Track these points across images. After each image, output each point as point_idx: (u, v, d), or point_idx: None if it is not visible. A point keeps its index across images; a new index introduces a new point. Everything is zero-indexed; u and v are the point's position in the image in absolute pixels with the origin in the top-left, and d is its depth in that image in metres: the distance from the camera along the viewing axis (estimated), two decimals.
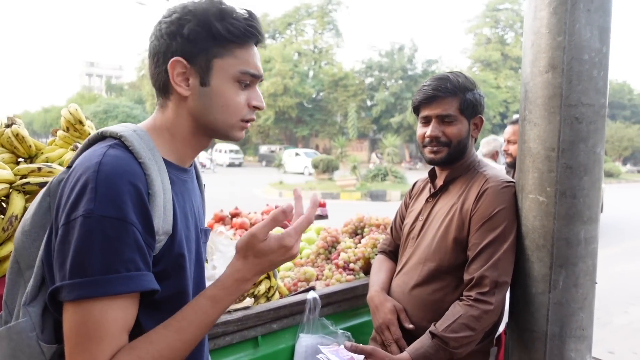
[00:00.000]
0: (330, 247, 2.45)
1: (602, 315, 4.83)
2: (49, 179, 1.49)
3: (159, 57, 0.91)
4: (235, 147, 33.15)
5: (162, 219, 0.85)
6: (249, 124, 0.98)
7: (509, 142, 3.18)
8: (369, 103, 35.61)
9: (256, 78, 0.97)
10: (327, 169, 21.41)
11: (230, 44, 0.91)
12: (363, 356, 1.35)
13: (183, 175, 0.98)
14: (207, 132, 0.97)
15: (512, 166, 3.10)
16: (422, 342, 1.36)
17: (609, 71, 1.29)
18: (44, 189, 0.91)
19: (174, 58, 0.89)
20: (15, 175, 1.47)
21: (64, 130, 1.98)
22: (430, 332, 1.36)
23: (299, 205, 0.96)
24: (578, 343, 1.33)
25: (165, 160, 0.91)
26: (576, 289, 1.31)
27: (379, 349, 1.35)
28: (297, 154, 27.73)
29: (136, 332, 0.84)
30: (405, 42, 36.95)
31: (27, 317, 0.83)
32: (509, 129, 3.17)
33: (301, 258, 2.53)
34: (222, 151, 32.24)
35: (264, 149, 35.31)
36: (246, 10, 0.93)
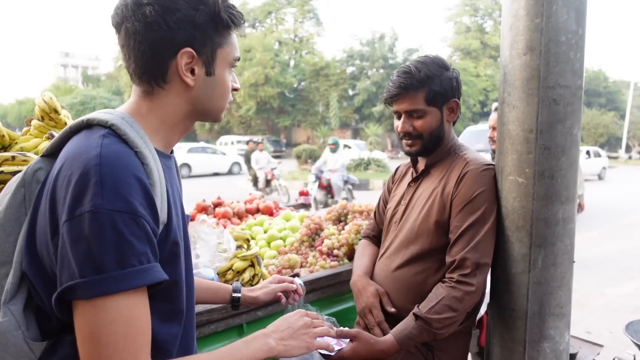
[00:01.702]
0: (314, 235, 2.46)
1: (580, 296, 4.97)
2: (24, 168, 1.45)
3: (162, 45, 0.86)
4: (242, 137, 31.81)
5: (160, 209, 0.84)
6: None
7: (494, 129, 3.11)
8: (350, 92, 35.54)
9: (238, 60, 0.99)
10: (309, 158, 21.38)
11: (226, 31, 0.92)
12: (348, 339, 1.36)
13: (168, 162, 0.96)
14: (199, 117, 0.97)
15: None
16: (406, 323, 1.38)
17: (585, 53, 1.31)
18: (17, 180, 0.87)
19: (185, 49, 0.87)
20: None
21: (38, 120, 1.93)
22: (413, 313, 1.38)
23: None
24: (557, 321, 1.37)
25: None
26: (555, 268, 1.34)
27: (363, 331, 1.36)
28: (346, 147, 23.52)
29: None
30: (386, 31, 36.87)
31: (9, 316, 0.80)
32: (494, 116, 3.08)
33: (285, 246, 2.53)
34: (227, 143, 30.27)
35: (245, 139, 35.05)
36: None
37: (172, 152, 1.01)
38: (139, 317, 0.77)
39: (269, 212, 3.25)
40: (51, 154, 0.89)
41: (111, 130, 0.83)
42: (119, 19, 0.87)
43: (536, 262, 1.34)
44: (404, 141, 1.58)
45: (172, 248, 0.88)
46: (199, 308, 1.62)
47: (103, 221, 0.73)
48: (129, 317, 0.75)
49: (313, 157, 21.48)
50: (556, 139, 1.29)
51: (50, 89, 45.09)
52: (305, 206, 4.05)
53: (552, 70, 1.27)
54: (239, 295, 1.35)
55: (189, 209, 3.34)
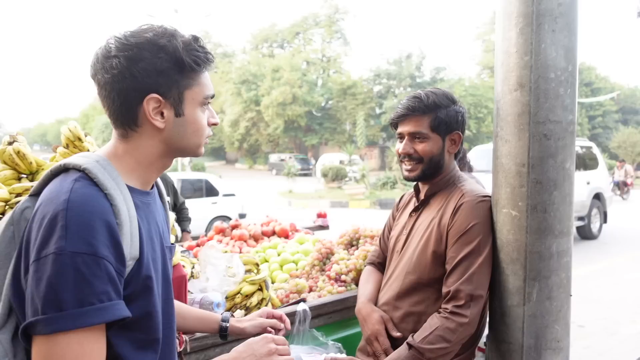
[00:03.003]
0: (325, 259, 2.49)
1: (610, 324, 4.79)
2: None
3: (129, 94, 0.93)
4: (301, 154, 31.11)
5: (130, 245, 0.88)
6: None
7: None
8: (377, 111, 35.64)
9: (212, 97, 1.03)
10: (336, 177, 21.45)
11: (194, 73, 0.97)
12: None
13: (146, 198, 1.01)
14: (176, 154, 1.02)
15: None
16: (400, 352, 1.40)
17: (577, 89, 1.33)
18: (7, 218, 0.93)
19: (150, 96, 0.93)
20: (10, 193, 1.54)
21: (64, 147, 2.06)
22: (407, 342, 1.40)
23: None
24: (554, 355, 1.36)
25: (128, 187, 0.95)
26: (550, 301, 1.34)
27: (355, 358, 1.39)
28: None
29: (110, 353, 0.87)
30: (413, 50, 37.02)
31: None
32: None
33: (297, 269, 2.57)
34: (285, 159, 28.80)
35: (273, 157, 35.49)
36: (194, 35, 0.98)
37: (153, 187, 1.07)
38: (90, 353, 0.81)
39: (285, 234, 3.30)
40: (37, 194, 0.95)
41: (84, 173, 0.89)
42: (92, 72, 0.94)
43: (531, 295, 1.34)
44: (404, 165, 1.62)
45: (145, 281, 0.92)
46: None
47: (65, 262, 0.78)
48: (79, 353, 0.79)
49: (340, 175, 21.55)
50: (548, 173, 1.31)
51: (87, 108, 47.01)
52: (323, 228, 4.08)
53: (542, 106, 1.29)
54: (227, 325, 1.35)
55: (209, 231, 3.45)
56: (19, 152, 1.80)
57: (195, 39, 0.98)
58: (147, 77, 0.92)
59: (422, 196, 1.67)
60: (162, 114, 0.96)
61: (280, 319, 1.40)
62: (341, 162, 24.32)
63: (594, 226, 9.33)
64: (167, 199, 4.07)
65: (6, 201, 1.52)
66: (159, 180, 1.18)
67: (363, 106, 34.17)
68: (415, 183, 1.72)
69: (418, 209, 1.67)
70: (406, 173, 1.62)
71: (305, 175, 30.14)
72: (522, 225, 1.34)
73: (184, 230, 4.16)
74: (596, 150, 9.86)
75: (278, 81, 33.42)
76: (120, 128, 0.98)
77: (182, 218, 4.18)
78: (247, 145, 38.71)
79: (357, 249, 2.49)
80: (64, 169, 0.93)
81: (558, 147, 1.31)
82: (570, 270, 1.38)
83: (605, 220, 9.59)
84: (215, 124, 1.05)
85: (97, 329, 0.82)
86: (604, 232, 9.74)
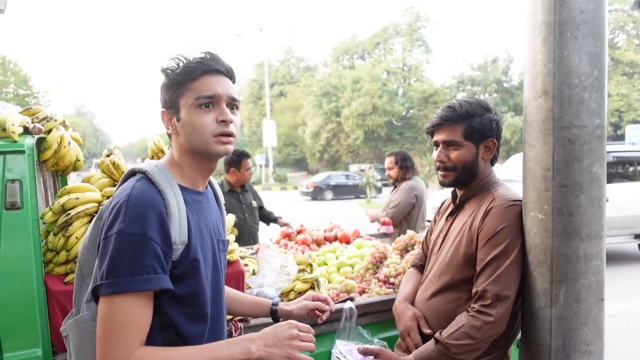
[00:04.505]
0: (378, 263, 2.60)
1: None
2: None
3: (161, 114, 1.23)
4: (381, 165, 31.96)
5: (178, 232, 1.10)
6: (227, 138, 1.17)
7: (389, 168, 4.46)
8: None
9: (214, 99, 1.16)
10: None
11: (185, 82, 1.16)
12: (372, 356, 1.50)
13: (197, 197, 1.23)
14: (197, 156, 1.20)
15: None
16: (427, 346, 1.48)
17: (605, 93, 1.33)
18: (98, 214, 1.19)
19: (161, 110, 1.21)
20: (103, 196, 1.87)
21: (149, 158, 2.40)
22: (434, 337, 1.48)
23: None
24: (583, 358, 1.36)
25: (181, 186, 1.17)
26: (578, 304, 1.35)
27: (386, 349, 1.49)
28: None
29: (164, 319, 1.10)
30: (500, 54, 35.40)
31: (89, 311, 1.12)
32: (386, 160, 4.51)
33: (352, 272, 2.71)
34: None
35: (353, 167, 35.68)
36: (204, 53, 1.20)
37: (206, 189, 1.29)
38: (137, 313, 1.02)
39: (346, 240, 3.45)
40: None
41: (145, 175, 1.13)
42: None
43: (557, 297, 1.36)
44: (440, 172, 1.71)
45: (193, 263, 1.13)
46: (265, 319, 1.86)
47: (123, 241, 1.01)
48: (128, 311, 1.01)
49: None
50: (573, 177, 1.33)
51: None
52: (387, 235, 4.16)
53: (566, 112, 1.32)
54: (277, 307, 1.51)
55: (274, 236, 3.71)
56: (114, 162, 2.15)
57: (206, 53, 1.20)
58: (160, 98, 1.22)
59: (457, 201, 1.73)
60: (171, 121, 1.20)
61: (324, 301, 1.52)
62: None
63: None
64: (254, 202, 4.46)
65: (99, 202, 1.84)
66: (216, 186, 1.40)
67: None
68: (453, 189, 1.78)
69: (453, 213, 1.74)
70: (441, 179, 1.70)
71: (385, 185, 29.95)
72: (548, 228, 1.37)
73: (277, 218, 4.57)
74: None
75: (358, 92, 33.70)
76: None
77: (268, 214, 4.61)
78: (328, 156, 39.37)
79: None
80: (133, 173, 1.18)
81: (584, 151, 1.32)
82: (602, 273, 1.37)
83: None
84: (224, 121, 1.16)
85: (144, 296, 1.03)
86: None
